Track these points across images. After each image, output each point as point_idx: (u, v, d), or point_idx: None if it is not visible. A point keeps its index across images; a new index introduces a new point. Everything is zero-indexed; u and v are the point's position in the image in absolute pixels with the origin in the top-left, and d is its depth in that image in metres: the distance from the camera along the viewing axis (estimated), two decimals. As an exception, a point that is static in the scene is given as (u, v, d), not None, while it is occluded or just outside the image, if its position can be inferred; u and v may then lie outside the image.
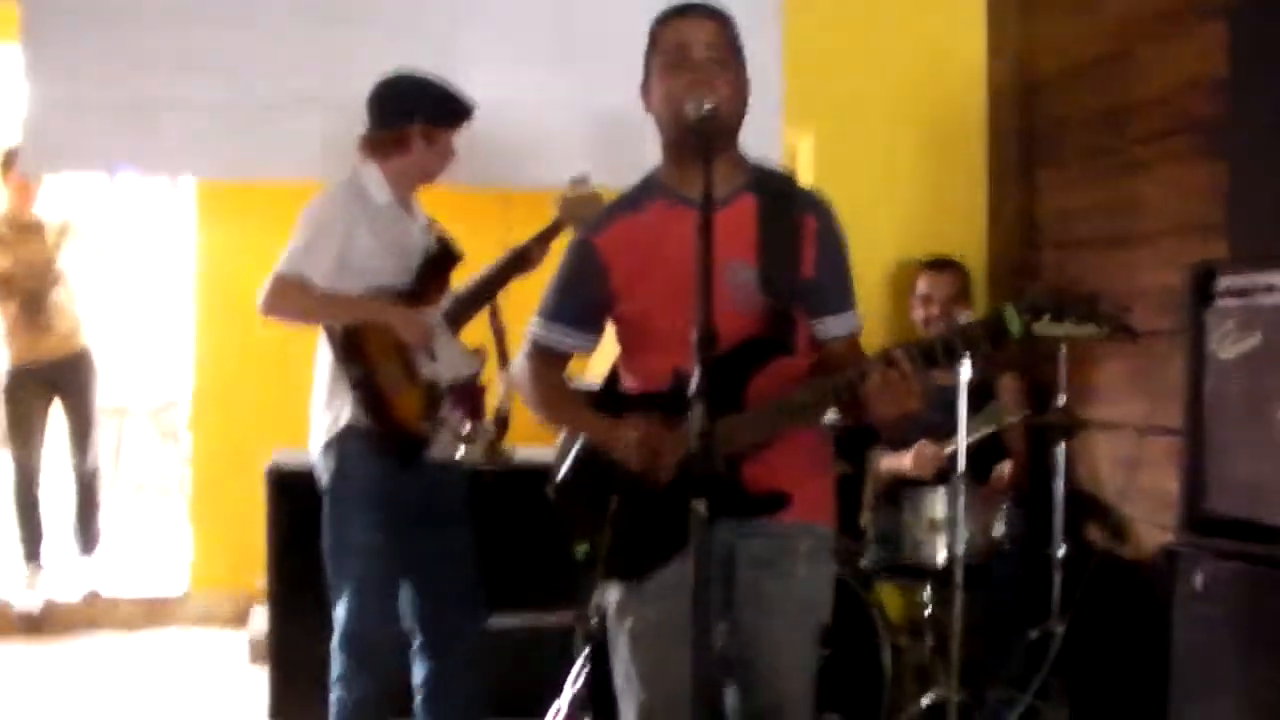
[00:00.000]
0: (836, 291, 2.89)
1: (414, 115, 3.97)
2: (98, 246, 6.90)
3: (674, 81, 2.76)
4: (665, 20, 2.84)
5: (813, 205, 2.88)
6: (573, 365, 3.09)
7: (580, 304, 2.95)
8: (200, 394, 6.97)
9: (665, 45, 2.81)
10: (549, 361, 3.01)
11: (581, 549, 2.93)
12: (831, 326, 2.89)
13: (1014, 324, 2.59)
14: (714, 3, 2.87)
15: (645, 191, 2.92)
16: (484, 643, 4.14)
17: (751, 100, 2.87)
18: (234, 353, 6.53)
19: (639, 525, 2.83)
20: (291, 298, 3.81)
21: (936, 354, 2.64)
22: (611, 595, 2.94)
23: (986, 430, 4.45)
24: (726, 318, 2.49)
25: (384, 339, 3.87)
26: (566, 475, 2.99)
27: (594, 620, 4.13)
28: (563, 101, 4.92)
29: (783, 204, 2.84)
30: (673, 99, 2.75)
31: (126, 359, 9.13)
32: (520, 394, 3.06)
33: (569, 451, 3.00)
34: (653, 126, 2.91)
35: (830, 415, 2.97)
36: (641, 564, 2.86)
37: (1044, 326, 2.60)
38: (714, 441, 2.33)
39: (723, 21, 2.83)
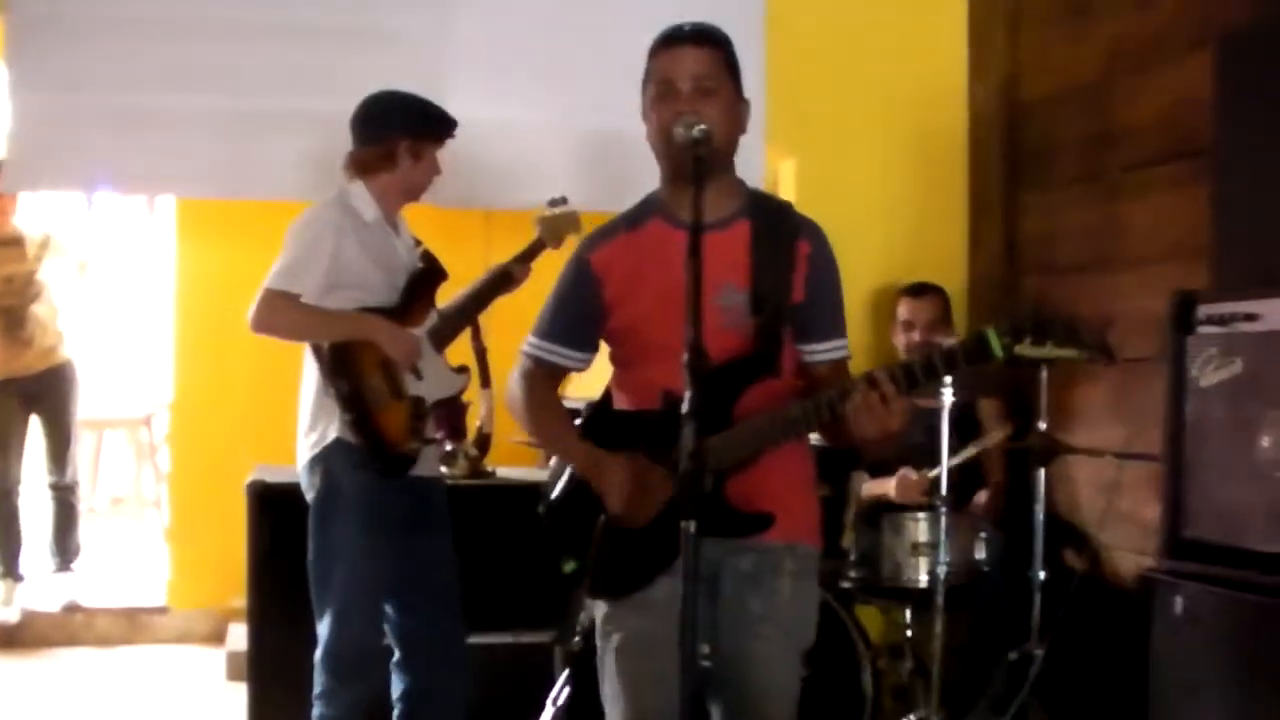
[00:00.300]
0: (826, 317, 2.91)
1: (398, 130, 3.98)
2: (78, 260, 6.87)
3: (663, 112, 2.79)
4: (656, 50, 2.84)
5: (807, 231, 2.89)
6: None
7: (574, 320, 2.97)
8: (179, 408, 6.96)
9: (655, 76, 2.83)
10: (542, 379, 3.02)
11: (569, 565, 2.94)
12: (819, 352, 2.90)
13: (996, 346, 2.60)
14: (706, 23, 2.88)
15: (645, 210, 2.94)
16: (465, 659, 4.13)
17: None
18: (213, 367, 6.53)
19: (625, 543, 2.85)
20: (281, 314, 3.82)
21: (918, 375, 2.65)
22: (599, 611, 2.95)
23: (970, 452, 4.47)
24: (715, 338, 2.53)
25: (371, 356, 3.88)
26: (560, 494, 3.00)
27: (577, 639, 4.13)
28: (544, 124, 4.95)
29: (777, 229, 2.86)
30: (663, 129, 2.78)
31: (105, 373, 9.08)
32: (512, 411, 3.06)
33: (563, 471, 3.00)
34: (633, 148, 2.95)
35: (813, 438, 2.99)
36: (626, 582, 2.87)
37: (1026, 349, 2.61)
38: (703, 463, 2.35)
39: (713, 45, 2.82)
